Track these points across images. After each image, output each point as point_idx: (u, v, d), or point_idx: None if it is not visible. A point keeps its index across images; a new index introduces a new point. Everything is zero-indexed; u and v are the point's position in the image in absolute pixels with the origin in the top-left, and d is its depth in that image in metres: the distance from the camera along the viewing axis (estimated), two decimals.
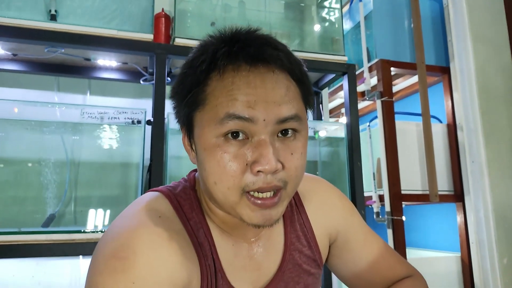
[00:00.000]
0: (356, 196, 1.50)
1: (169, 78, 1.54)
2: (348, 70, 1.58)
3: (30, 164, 1.36)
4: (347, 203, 0.79)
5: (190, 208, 0.62)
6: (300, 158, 0.56)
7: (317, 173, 1.77)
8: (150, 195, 0.64)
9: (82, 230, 1.21)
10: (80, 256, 1.50)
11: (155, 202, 0.61)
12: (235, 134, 0.53)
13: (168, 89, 1.54)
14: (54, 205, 1.35)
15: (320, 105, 1.85)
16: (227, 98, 0.52)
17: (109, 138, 1.43)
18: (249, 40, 0.55)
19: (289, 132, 0.56)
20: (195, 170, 0.70)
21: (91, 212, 1.39)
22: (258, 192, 0.54)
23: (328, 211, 0.75)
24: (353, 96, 1.56)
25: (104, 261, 0.51)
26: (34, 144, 1.38)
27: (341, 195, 0.80)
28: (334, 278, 1.79)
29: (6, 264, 1.50)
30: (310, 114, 0.65)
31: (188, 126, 0.59)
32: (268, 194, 0.54)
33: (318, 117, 1.86)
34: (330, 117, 2.91)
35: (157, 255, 0.52)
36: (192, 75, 0.56)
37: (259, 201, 0.54)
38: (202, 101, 0.55)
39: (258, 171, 0.52)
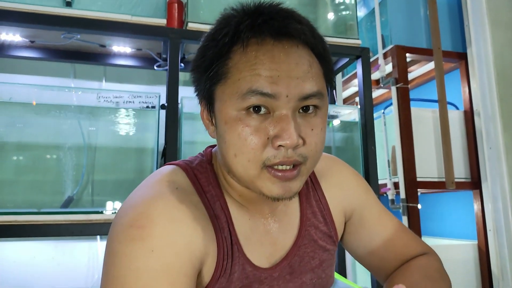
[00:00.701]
0: (370, 179, 1.49)
1: (182, 64, 1.55)
2: (362, 54, 1.56)
3: (48, 149, 1.39)
4: (362, 182, 0.79)
5: (206, 181, 0.63)
6: (320, 133, 0.56)
7: None
8: (167, 168, 0.64)
9: (100, 211, 1.24)
10: (98, 237, 1.53)
11: (172, 175, 0.62)
12: (256, 108, 0.53)
13: (182, 75, 1.55)
14: (72, 188, 1.38)
15: (334, 90, 1.83)
16: (250, 72, 0.52)
17: (124, 123, 1.46)
18: (272, 13, 0.54)
19: (311, 108, 0.55)
20: (211, 146, 0.70)
21: (108, 194, 1.42)
22: (278, 166, 0.54)
23: (343, 189, 0.75)
24: (367, 79, 1.54)
25: (122, 230, 0.52)
26: (52, 128, 1.41)
27: (356, 173, 0.79)
28: (348, 256, 1.79)
29: (27, 246, 1.54)
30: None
31: (208, 99, 0.58)
32: (288, 167, 0.54)
33: (332, 101, 1.84)
34: (349, 105, 2.89)
35: (174, 225, 0.53)
36: (214, 48, 0.55)
37: (279, 173, 0.54)
38: (224, 75, 0.54)
39: (279, 146, 0.52)
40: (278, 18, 0.54)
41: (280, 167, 0.54)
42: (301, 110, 0.55)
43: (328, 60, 0.59)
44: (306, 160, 0.55)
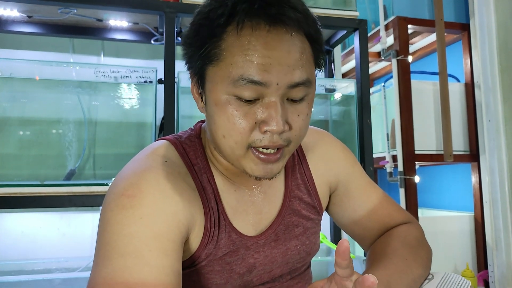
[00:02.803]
0: (365, 153, 1.51)
1: (179, 38, 1.54)
2: (359, 26, 1.54)
3: (50, 123, 1.43)
4: (349, 154, 0.81)
5: (194, 155, 0.66)
6: (305, 119, 0.59)
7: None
8: (158, 143, 0.68)
9: (102, 183, 1.29)
10: (100, 208, 1.58)
11: (162, 149, 0.65)
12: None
13: (178, 49, 1.55)
14: (74, 162, 1.42)
15: (332, 64, 1.82)
16: (243, 58, 0.53)
17: (123, 98, 1.48)
18: None
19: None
20: (202, 121, 0.73)
21: (109, 167, 1.46)
22: (262, 148, 0.57)
23: (329, 161, 0.77)
24: (364, 52, 1.53)
25: (114, 199, 0.56)
26: (52, 104, 1.44)
27: (343, 146, 0.81)
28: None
29: (34, 218, 1.61)
30: (322, 72, 0.66)
31: (199, 77, 0.60)
32: (272, 150, 0.57)
33: (330, 75, 1.84)
34: (346, 79, 2.86)
35: (163, 194, 0.56)
36: (208, 27, 0.56)
37: (262, 156, 0.57)
38: (216, 56, 0.55)
39: (266, 131, 0.55)
40: (275, 4, 0.54)
41: (264, 150, 0.57)
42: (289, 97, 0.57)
43: (320, 43, 0.60)
44: (290, 143, 0.58)
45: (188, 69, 0.63)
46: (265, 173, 0.59)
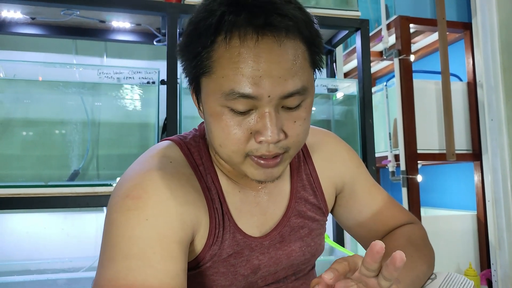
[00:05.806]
0: (367, 153, 1.51)
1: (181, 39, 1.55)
2: (361, 26, 1.54)
3: (53, 124, 1.43)
4: (354, 156, 0.81)
5: (199, 156, 0.66)
6: (303, 124, 0.57)
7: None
8: (163, 143, 0.68)
9: (106, 184, 1.29)
10: (104, 208, 1.59)
11: (167, 149, 0.65)
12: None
13: None
14: (78, 162, 1.43)
15: (334, 64, 1.83)
16: (233, 71, 0.52)
17: (126, 98, 1.49)
18: (256, 7, 0.52)
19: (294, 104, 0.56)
20: None
21: (112, 168, 1.47)
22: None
23: (335, 163, 0.77)
24: (366, 52, 1.53)
25: (119, 201, 0.56)
26: (56, 105, 1.45)
27: (349, 148, 0.81)
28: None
29: (38, 218, 1.62)
30: (322, 73, 0.65)
31: (195, 86, 0.60)
32: (270, 156, 0.57)
33: (332, 75, 1.84)
34: (348, 79, 2.86)
35: (167, 195, 0.57)
36: (198, 38, 0.55)
37: (262, 161, 0.57)
38: (208, 68, 0.54)
39: (261, 141, 0.54)
40: (262, 12, 0.52)
41: (262, 156, 0.57)
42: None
43: (316, 44, 0.58)
44: (289, 150, 0.58)
45: (185, 77, 0.63)
46: (265, 177, 0.58)
